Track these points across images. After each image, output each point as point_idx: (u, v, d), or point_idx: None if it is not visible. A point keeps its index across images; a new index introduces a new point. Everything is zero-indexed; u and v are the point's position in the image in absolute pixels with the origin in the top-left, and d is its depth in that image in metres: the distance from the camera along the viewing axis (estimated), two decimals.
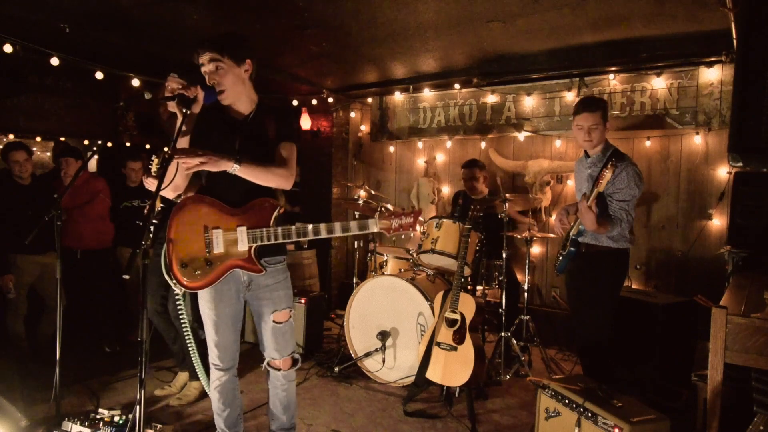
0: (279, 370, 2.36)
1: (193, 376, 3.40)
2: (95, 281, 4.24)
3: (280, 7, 3.34)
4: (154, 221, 2.89)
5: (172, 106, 2.05)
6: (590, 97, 3.15)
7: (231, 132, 2.20)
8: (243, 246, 2.12)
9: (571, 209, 2.99)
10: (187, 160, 1.97)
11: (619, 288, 2.97)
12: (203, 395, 3.36)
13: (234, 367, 2.36)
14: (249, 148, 2.18)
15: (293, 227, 2.10)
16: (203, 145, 2.12)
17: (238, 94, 2.18)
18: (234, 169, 2.04)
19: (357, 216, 4.85)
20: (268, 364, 2.37)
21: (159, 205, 3.03)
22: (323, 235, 2.11)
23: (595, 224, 2.68)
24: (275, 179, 2.15)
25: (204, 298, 2.26)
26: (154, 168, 2.75)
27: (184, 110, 2.00)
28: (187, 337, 2.54)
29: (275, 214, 2.14)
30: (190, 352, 2.56)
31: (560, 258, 3.02)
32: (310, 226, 2.10)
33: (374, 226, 2.10)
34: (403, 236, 4.27)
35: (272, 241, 2.11)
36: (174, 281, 2.13)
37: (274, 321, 2.29)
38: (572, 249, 2.91)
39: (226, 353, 2.31)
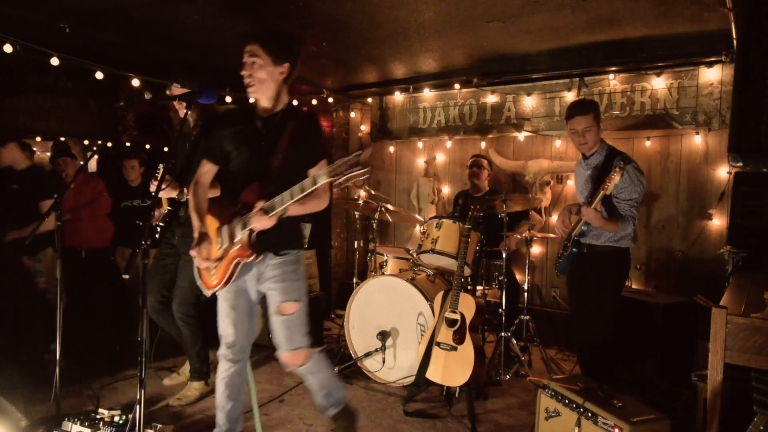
0: (290, 366, 2.36)
1: (194, 377, 3.40)
2: (99, 280, 4.26)
3: (280, 6, 3.34)
4: (160, 224, 2.92)
5: (180, 109, 2.08)
6: (581, 100, 3.15)
7: (258, 129, 2.23)
8: (240, 234, 2.16)
9: (574, 209, 2.98)
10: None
11: (621, 288, 2.97)
12: (203, 395, 3.35)
13: (243, 360, 2.37)
14: (273, 144, 2.20)
15: (267, 203, 2.08)
16: (232, 142, 2.22)
17: (267, 91, 2.19)
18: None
19: (357, 216, 4.85)
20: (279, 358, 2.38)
21: (166, 207, 3.05)
22: (287, 201, 2.03)
23: (603, 221, 2.69)
24: (316, 203, 2.20)
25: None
26: (160, 173, 2.79)
27: (186, 111, 2.04)
28: None
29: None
30: None
31: (561, 258, 3.02)
32: (276, 198, 2.06)
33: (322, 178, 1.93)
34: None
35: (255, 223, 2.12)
36: (203, 287, 2.28)
37: (277, 312, 2.28)
38: (574, 249, 2.90)
39: (236, 344, 2.33)
